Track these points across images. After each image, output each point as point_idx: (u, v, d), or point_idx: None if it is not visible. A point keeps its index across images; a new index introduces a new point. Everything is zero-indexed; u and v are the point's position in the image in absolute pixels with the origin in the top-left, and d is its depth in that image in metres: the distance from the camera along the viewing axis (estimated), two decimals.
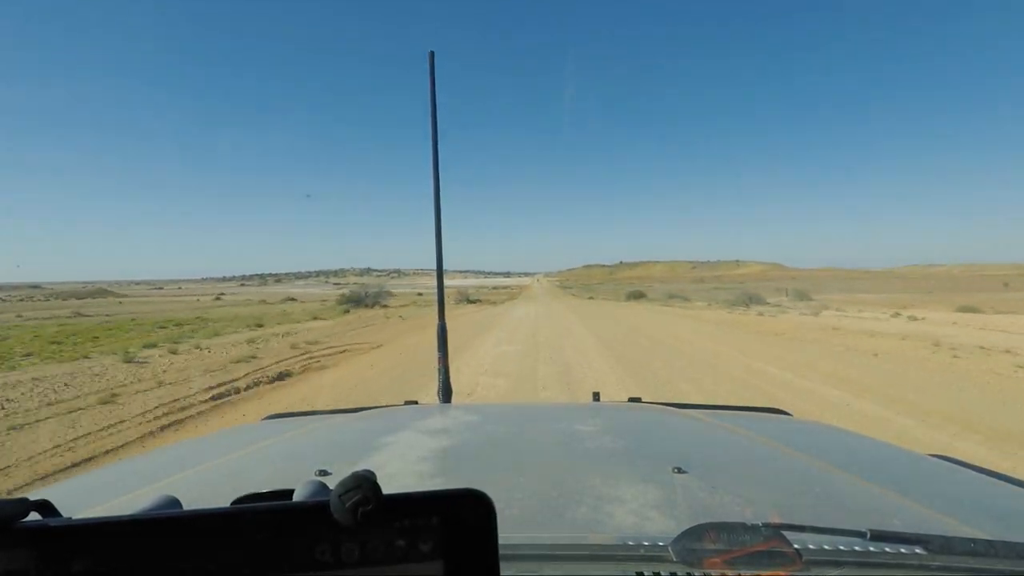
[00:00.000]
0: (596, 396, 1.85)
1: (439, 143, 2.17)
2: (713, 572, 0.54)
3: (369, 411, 1.49)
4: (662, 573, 0.55)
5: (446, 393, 2.14)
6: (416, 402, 1.71)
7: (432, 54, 2.20)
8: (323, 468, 0.85)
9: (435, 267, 2.26)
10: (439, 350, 2.19)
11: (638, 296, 40.24)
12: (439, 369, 2.15)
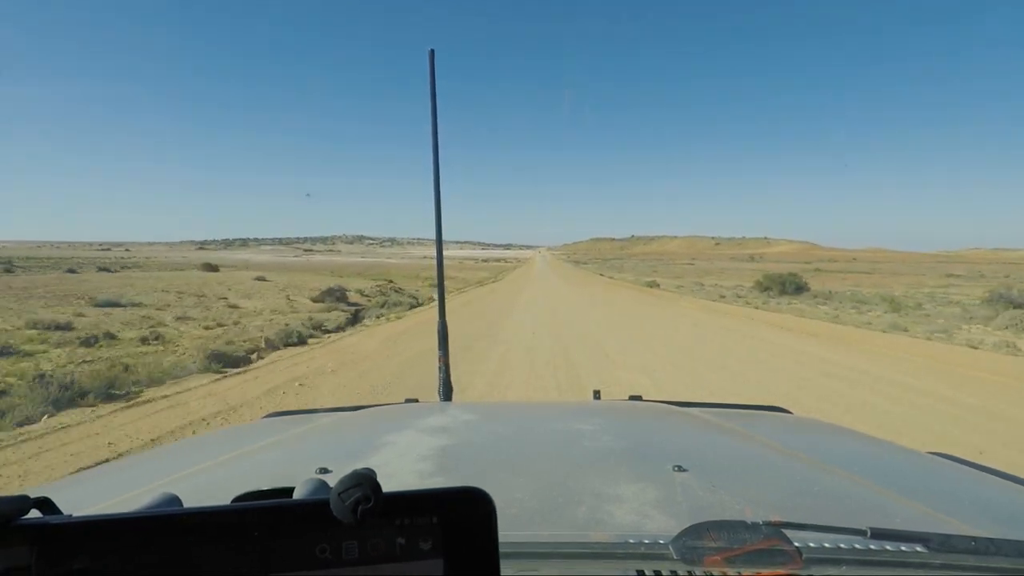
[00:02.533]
0: (596, 394, 1.86)
1: (439, 142, 2.15)
2: (714, 570, 0.54)
3: (369, 409, 1.49)
4: (663, 571, 0.55)
5: (446, 391, 2.14)
6: (416, 400, 1.71)
7: (432, 52, 2.18)
8: (323, 466, 0.86)
9: (435, 241, 2.23)
10: (440, 348, 2.18)
11: (794, 289, 17.96)
12: (439, 368, 2.15)
